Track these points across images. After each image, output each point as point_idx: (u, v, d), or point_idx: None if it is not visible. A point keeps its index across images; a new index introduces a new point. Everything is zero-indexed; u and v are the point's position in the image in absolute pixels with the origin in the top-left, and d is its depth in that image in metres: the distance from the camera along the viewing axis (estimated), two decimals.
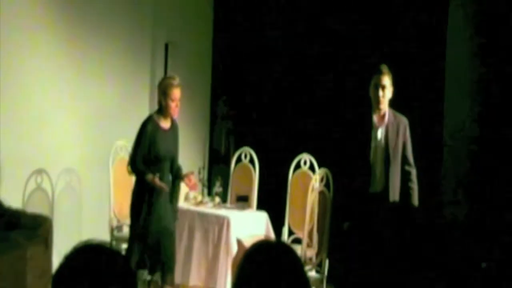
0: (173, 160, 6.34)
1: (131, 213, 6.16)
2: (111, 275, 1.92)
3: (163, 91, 6.25)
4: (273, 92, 8.77)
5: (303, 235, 6.54)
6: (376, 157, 5.93)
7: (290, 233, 7.13)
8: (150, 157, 6.16)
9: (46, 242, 5.44)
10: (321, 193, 6.43)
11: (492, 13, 6.95)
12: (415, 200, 5.89)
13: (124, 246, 7.30)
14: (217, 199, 7.13)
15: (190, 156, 8.16)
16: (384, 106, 5.92)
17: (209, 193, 7.65)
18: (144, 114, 7.95)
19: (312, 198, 6.46)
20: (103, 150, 7.35)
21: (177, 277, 6.75)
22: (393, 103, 5.97)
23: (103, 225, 7.20)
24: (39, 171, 7.10)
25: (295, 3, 8.59)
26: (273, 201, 7.42)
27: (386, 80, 5.88)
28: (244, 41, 8.99)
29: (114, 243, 7.08)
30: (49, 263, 5.43)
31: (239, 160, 7.75)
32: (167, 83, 6.27)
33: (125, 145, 7.48)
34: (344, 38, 8.05)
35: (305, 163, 7.15)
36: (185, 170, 6.34)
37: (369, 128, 5.92)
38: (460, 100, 7.13)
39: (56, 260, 3.64)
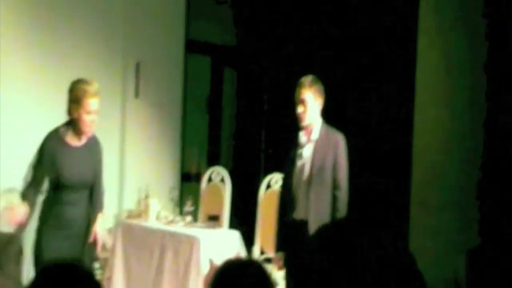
0: (92, 188, 5.22)
1: None
2: None
3: (75, 98, 5.01)
4: (247, 112, 8.85)
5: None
6: (300, 178, 5.35)
7: (262, 252, 7.12)
8: (53, 182, 5.00)
9: (17, 259, 5.39)
10: None
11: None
12: None
13: None
14: (188, 218, 7.12)
15: (161, 175, 8.14)
16: (307, 122, 5.35)
17: (180, 212, 7.63)
18: (114, 135, 7.94)
19: None
20: None
21: None
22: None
23: None
24: None
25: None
26: (244, 220, 7.42)
27: (306, 94, 5.27)
28: None
29: None
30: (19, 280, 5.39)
31: (210, 179, 7.74)
32: (80, 89, 5.00)
33: None
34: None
35: (276, 182, 7.16)
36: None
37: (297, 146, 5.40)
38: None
39: None
